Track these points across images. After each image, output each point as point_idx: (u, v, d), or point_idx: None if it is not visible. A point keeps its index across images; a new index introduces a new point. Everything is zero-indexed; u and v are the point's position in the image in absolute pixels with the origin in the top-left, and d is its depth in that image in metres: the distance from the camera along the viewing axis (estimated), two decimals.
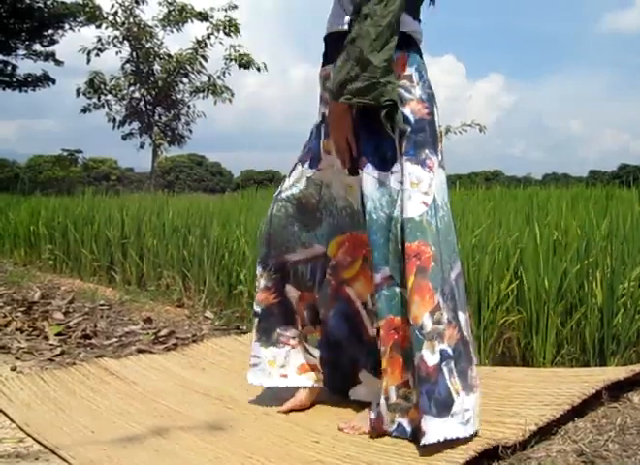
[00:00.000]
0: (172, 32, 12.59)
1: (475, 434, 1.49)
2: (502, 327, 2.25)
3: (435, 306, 1.49)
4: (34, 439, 1.61)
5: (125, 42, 12.35)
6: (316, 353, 1.80)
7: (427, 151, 1.58)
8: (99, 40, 12.10)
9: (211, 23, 12.42)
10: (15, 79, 19.80)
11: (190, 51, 12.51)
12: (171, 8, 12.33)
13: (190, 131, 13.18)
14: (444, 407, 1.46)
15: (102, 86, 12.32)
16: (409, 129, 1.56)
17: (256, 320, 1.82)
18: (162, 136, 12.81)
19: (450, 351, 1.50)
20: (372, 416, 1.58)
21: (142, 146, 13.00)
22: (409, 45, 1.60)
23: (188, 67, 12.57)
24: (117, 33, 12.19)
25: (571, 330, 2.14)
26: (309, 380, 1.80)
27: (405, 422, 1.54)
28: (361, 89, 1.48)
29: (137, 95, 12.75)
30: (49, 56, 19.84)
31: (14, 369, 2.22)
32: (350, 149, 1.60)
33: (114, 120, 12.64)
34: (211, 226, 3.59)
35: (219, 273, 3.28)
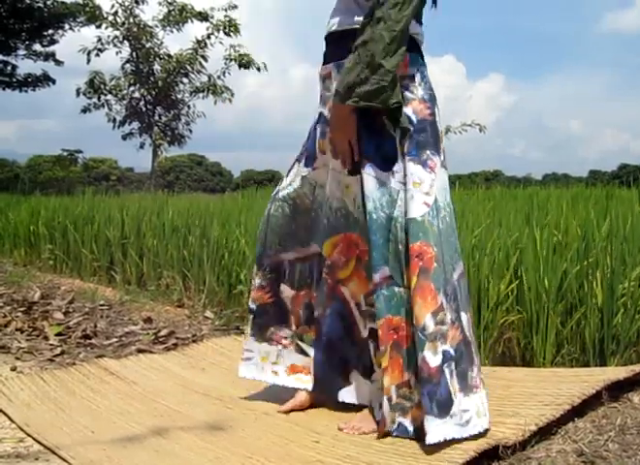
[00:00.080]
0: (172, 32, 12.61)
1: (480, 434, 1.49)
2: (502, 327, 2.24)
3: (438, 307, 1.49)
4: (34, 439, 1.61)
5: (125, 42, 12.36)
6: (311, 352, 1.79)
7: (428, 152, 1.58)
8: (99, 40, 12.11)
9: (211, 23, 12.43)
10: (15, 79, 19.81)
11: (190, 51, 12.52)
12: (171, 8, 12.34)
13: (190, 131, 13.21)
14: (445, 408, 1.46)
15: (102, 86, 12.32)
16: (412, 129, 1.57)
17: (251, 316, 1.85)
18: (162, 136, 12.82)
19: (452, 352, 1.50)
20: (378, 417, 1.58)
21: (142, 146, 13.02)
22: (411, 46, 1.60)
23: (188, 67, 12.57)
24: (117, 33, 12.20)
25: (571, 330, 2.14)
26: (297, 382, 1.80)
27: (407, 422, 1.54)
28: (370, 92, 1.48)
29: (137, 95, 12.77)
30: (49, 56, 19.84)
31: (14, 369, 2.22)
32: (352, 151, 1.60)
33: (114, 120, 12.66)
34: (211, 226, 3.59)
35: (219, 273, 3.28)
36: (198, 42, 12.48)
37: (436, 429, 1.44)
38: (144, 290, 3.66)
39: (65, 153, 22.18)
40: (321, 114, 1.72)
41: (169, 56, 12.56)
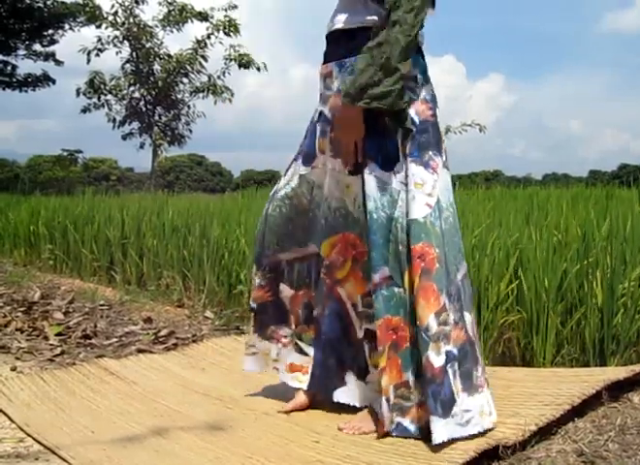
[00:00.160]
0: (172, 32, 12.61)
1: (480, 433, 1.49)
2: (502, 327, 2.25)
3: (441, 308, 1.50)
4: (34, 439, 1.61)
5: (125, 42, 12.36)
6: (310, 351, 1.79)
7: (431, 152, 1.58)
8: (99, 40, 12.11)
9: (211, 23, 12.43)
10: (15, 79, 19.80)
11: (190, 51, 12.51)
12: (171, 8, 12.34)
13: (190, 131, 13.20)
14: (448, 408, 1.47)
15: (102, 86, 12.32)
16: (414, 130, 1.57)
17: (252, 314, 1.85)
18: (162, 136, 12.81)
19: (455, 352, 1.51)
20: (378, 417, 1.58)
21: (142, 146, 13.02)
22: None
23: (188, 67, 12.57)
24: (117, 33, 12.20)
25: (571, 330, 2.14)
26: (294, 381, 1.80)
27: (406, 422, 1.54)
28: (384, 94, 1.50)
29: (137, 95, 12.76)
30: (49, 56, 19.83)
31: (14, 369, 2.22)
32: (356, 151, 1.60)
33: (114, 120, 12.66)
34: (211, 226, 3.59)
35: (219, 273, 3.28)
36: (198, 42, 12.47)
37: (442, 429, 1.45)
38: (144, 290, 3.66)
39: (65, 153, 22.16)
40: (321, 113, 1.71)
41: (169, 56, 12.56)
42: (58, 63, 19.99)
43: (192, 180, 45.92)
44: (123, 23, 12.13)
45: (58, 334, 2.67)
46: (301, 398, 1.79)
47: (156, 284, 3.67)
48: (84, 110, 12.56)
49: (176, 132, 13.04)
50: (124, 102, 12.66)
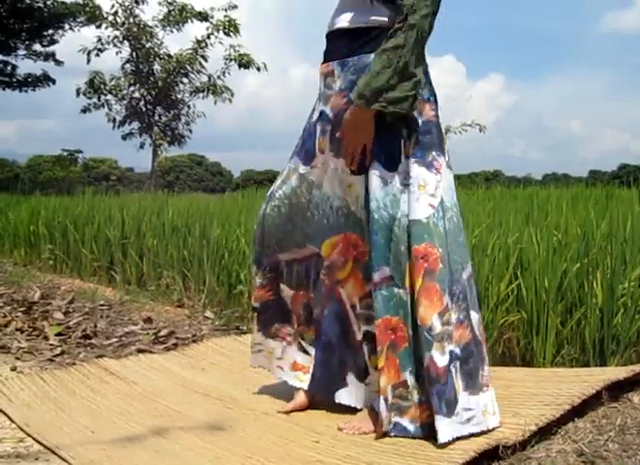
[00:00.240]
0: (172, 32, 12.63)
1: (481, 433, 1.50)
2: (502, 328, 2.25)
3: (444, 308, 1.50)
4: (34, 439, 1.61)
5: (125, 42, 12.37)
6: (312, 351, 1.79)
7: (434, 153, 1.58)
8: (99, 40, 12.13)
9: (211, 23, 12.44)
10: (15, 79, 19.81)
11: (190, 51, 12.53)
12: (171, 8, 12.35)
13: (190, 131, 13.22)
14: (452, 407, 1.48)
15: (102, 86, 12.33)
16: (418, 130, 1.58)
17: (255, 314, 1.85)
18: (162, 136, 12.82)
19: (458, 351, 1.52)
20: (377, 418, 1.58)
21: (142, 146, 13.04)
22: None
23: (188, 67, 12.58)
24: (117, 33, 12.21)
25: (571, 330, 2.14)
26: (296, 380, 1.80)
27: (405, 421, 1.54)
28: (400, 99, 1.50)
29: (137, 95, 12.78)
30: (49, 56, 19.84)
31: (14, 369, 2.22)
32: (363, 152, 1.59)
33: (114, 120, 12.67)
34: (211, 226, 3.58)
35: (219, 273, 3.28)
36: (198, 42, 12.49)
37: (447, 428, 1.46)
38: (144, 290, 3.66)
39: (65, 153, 22.16)
40: (322, 112, 1.69)
41: (169, 56, 12.57)
42: (58, 63, 20.00)
43: (192, 180, 45.92)
44: (123, 23, 12.14)
45: (58, 334, 2.67)
46: (301, 398, 1.79)
47: (156, 284, 3.67)
48: (84, 110, 12.58)
49: (176, 132, 13.05)
50: (124, 102, 12.68)
